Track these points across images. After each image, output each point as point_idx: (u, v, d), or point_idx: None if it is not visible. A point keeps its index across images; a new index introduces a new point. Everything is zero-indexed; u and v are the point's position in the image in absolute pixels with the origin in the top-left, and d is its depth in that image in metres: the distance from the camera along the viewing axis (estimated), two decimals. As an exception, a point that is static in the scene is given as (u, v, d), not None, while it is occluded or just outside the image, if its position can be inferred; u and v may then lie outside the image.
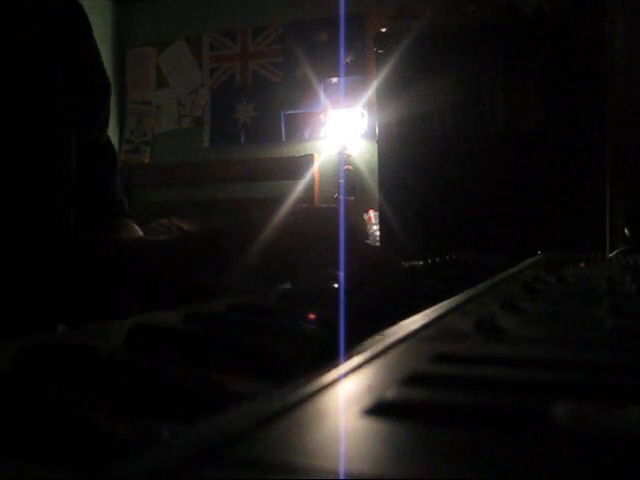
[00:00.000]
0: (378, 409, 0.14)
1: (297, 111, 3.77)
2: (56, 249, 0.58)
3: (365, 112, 3.42)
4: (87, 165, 0.63)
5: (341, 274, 0.44)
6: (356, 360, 0.18)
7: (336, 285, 0.41)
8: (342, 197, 3.41)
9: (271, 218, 0.51)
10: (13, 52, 0.56)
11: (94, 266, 0.65)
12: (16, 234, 0.54)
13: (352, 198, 3.40)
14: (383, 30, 2.63)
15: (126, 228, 0.69)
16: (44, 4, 0.61)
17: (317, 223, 0.52)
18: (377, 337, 0.22)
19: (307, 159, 3.68)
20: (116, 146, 4.07)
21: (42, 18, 0.60)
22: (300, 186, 3.58)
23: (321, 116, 3.67)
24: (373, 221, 3.08)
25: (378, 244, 2.72)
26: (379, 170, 2.49)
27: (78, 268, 0.62)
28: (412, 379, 0.16)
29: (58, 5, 0.63)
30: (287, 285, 0.48)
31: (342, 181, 3.49)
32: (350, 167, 3.49)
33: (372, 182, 3.03)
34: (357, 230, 0.61)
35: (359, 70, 3.58)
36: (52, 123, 0.58)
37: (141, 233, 0.71)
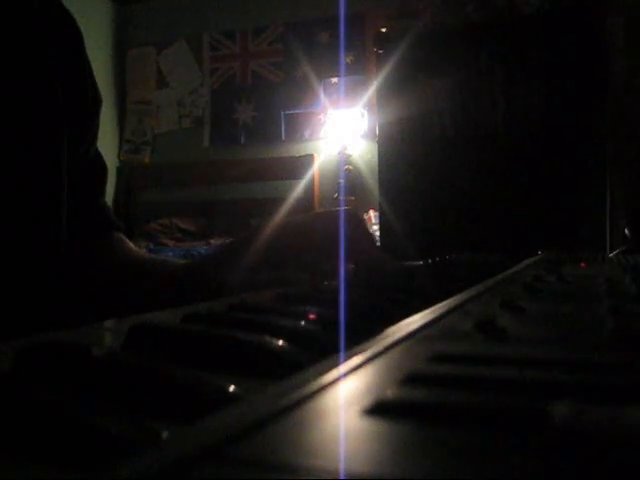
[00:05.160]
0: (378, 409, 0.14)
1: (297, 111, 3.77)
2: (47, 260, 0.58)
3: (365, 112, 3.42)
4: (77, 177, 0.63)
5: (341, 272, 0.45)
6: (356, 360, 0.18)
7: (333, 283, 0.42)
8: (342, 197, 3.42)
9: (269, 227, 0.55)
10: (8, 64, 0.56)
11: (89, 280, 0.65)
12: (6, 244, 0.54)
13: (352, 198, 3.40)
14: (383, 30, 2.63)
15: (119, 243, 0.70)
16: (39, 17, 0.61)
17: (326, 225, 0.54)
18: (377, 337, 0.22)
19: (307, 159, 3.68)
20: (116, 146, 4.08)
21: (37, 31, 0.60)
22: (300, 186, 3.58)
23: (321, 116, 3.67)
24: (373, 221, 3.08)
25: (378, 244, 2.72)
26: (379, 170, 2.48)
27: (71, 281, 0.63)
28: (412, 379, 0.16)
29: (52, 18, 0.63)
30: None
31: (342, 181, 3.49)
32: (350, 167, 3.49)
33: (372, 182, 3.03)
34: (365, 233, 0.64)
35: (359, 70, 3.58)
36: (45, 136, 0.58)
37: (133, 246, 0.72)
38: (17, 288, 0.55)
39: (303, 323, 0.25)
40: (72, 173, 0.62)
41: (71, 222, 0.61)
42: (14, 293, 0.55)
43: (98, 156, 0.70)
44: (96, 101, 0.68)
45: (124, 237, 0.71)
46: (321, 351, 0.20)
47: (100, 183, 0.70)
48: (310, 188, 3.61)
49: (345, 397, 0.15)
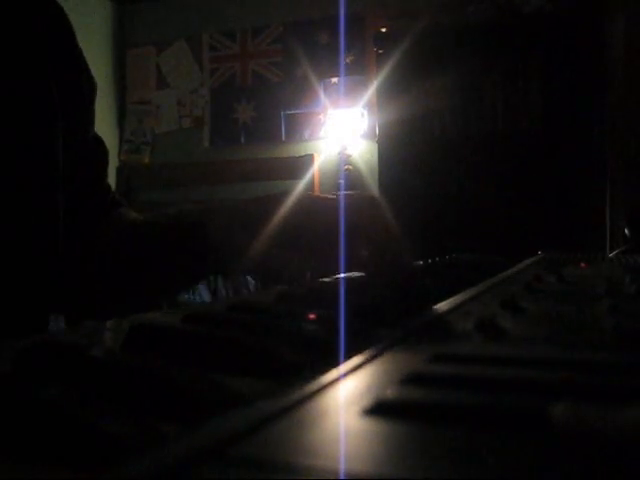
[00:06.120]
0: (378, 409, 0.14)
1: (297, 111, 3.77)
2: (46, 260, 0.58)
3: (365, 112, 3.42)
4: (78, 160, 0.64)
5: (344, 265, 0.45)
6: (356, 360, 0.18)
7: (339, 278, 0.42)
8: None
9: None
10: (0, 52, 0.56)
11: (100, 256, 0.65)
12: (4, 244, 0.54)
13: (352, 198, 3.40)
14: (383, 30, 2.63)
15: (127, 214, 0.70)
16: (28, 12, 0.61)
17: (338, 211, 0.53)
18: (377, 337, 0.22)
19: (307, 159, 3.68)
20: (116, 146, 4.08)
21: (27, 20, 0.60)
22: (300, 186, 3.57)
23: (321, 116, 3.67)
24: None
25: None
26: (379, 170, 2.49)
27: (73, 277, 0.63)
28: (412, 379, 0.16)
29: (42, 8, 0.63)
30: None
31: (342, 181, 3.49)
32: (350, 167, 3.49)
33: (372, 182, 3.02)
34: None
35: (359, 70, 3.57)
36: (39, 133, 0.58)
37: (138, 215, 0.71)
38: (16, 288, 0.55)
39: (303, 323, 0.25)
40: (71, 163, 0.62)
41: (76, 206, 0.62)
42: (14, 293, 0.55)
43: (98, 140, 0.70)
44: (91, 88, 0.68)
45: (130, 211, 0.71)
46: (321, 351, 0.20)
47: (102, 166, 0.71)
48: (310, 188, 3.61)
49: (345, 397, 0.15)
